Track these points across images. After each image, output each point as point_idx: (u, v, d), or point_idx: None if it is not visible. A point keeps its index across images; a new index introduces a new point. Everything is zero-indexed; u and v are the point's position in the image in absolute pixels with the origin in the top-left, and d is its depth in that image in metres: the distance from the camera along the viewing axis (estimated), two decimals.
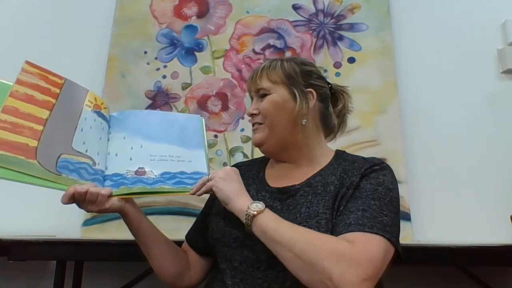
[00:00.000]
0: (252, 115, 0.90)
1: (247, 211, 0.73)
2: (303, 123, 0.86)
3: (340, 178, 0.81)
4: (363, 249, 0.68)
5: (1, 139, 0.69)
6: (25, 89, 0.76)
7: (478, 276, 1.34)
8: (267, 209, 0.74)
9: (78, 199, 0.75)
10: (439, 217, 1.44)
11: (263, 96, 0.89)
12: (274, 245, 0.70)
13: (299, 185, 0.83)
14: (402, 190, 1.41)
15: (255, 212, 0.72)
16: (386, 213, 0.74)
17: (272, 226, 0.71)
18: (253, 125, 0.90)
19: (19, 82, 0.76)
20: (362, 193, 0.77)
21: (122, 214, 0.82)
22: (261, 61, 1.63)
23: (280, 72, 0.89)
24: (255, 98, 0.92)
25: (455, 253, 1.13)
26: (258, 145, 0.90)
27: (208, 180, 0.80)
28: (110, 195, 0.78)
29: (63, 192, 0.74)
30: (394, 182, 0.81)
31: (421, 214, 1.43)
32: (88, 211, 0.78)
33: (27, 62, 0.79)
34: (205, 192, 0.81)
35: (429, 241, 1.38)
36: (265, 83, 0.88)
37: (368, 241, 0.69)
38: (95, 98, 0.88)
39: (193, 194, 0.81)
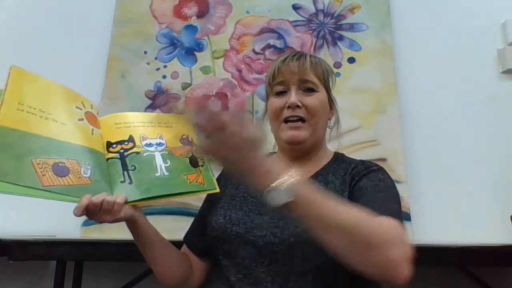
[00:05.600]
0: (296, 106, 0.82)
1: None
2: (328, 128, 0.90)
3: (340, 178, 0.82)
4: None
5: None
6: None
7: (478, 276, 1.34)
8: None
9: (92, 210, 0.69)
10: (439, 217, 1.44)
11: (310, 90, 0.84)
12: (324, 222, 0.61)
13: None
14: (402, 190, 1.41)
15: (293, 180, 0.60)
16: (392, 204, 0.75)
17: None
18: (290, 118, 0.83)
19: None
20: (363, 190, 0.77)
21: (131, 221, 0.78)
22: (261, 61, 1.63)
23: (322, 71, 0.86)
24: (293, 88, 0.83)
25: (455, 253, 1.13)
26: (298, 143, 0.83)
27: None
28: (125, 203, 0.73)
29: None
30: (392, 181, 0.81)
31: (421, 214, 1.43)
32: (101, 222, 0.72)
33: None
34: None
35: (429, 241, 1.38)
36: (313, 78, 0.84)
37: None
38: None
39: None
